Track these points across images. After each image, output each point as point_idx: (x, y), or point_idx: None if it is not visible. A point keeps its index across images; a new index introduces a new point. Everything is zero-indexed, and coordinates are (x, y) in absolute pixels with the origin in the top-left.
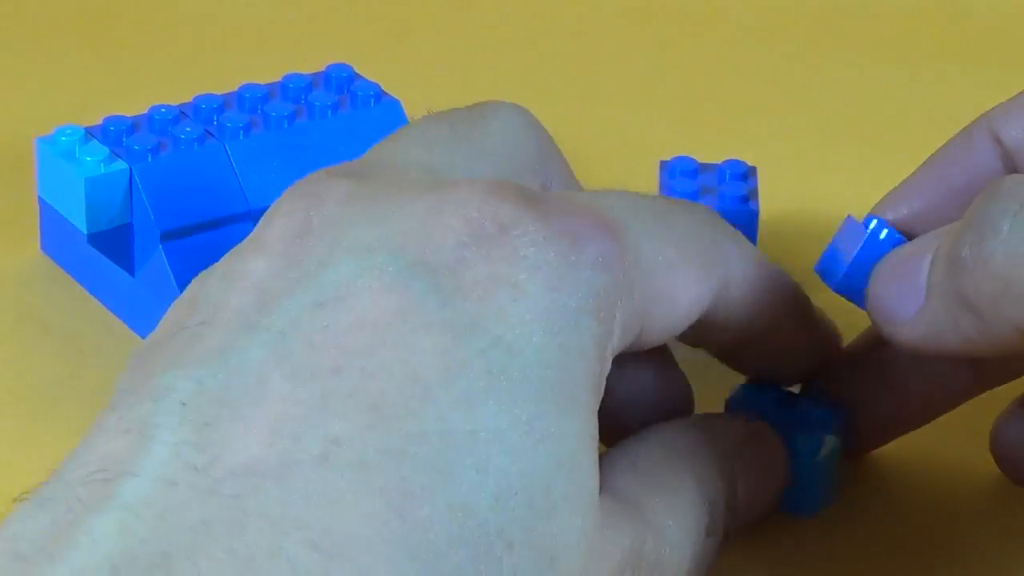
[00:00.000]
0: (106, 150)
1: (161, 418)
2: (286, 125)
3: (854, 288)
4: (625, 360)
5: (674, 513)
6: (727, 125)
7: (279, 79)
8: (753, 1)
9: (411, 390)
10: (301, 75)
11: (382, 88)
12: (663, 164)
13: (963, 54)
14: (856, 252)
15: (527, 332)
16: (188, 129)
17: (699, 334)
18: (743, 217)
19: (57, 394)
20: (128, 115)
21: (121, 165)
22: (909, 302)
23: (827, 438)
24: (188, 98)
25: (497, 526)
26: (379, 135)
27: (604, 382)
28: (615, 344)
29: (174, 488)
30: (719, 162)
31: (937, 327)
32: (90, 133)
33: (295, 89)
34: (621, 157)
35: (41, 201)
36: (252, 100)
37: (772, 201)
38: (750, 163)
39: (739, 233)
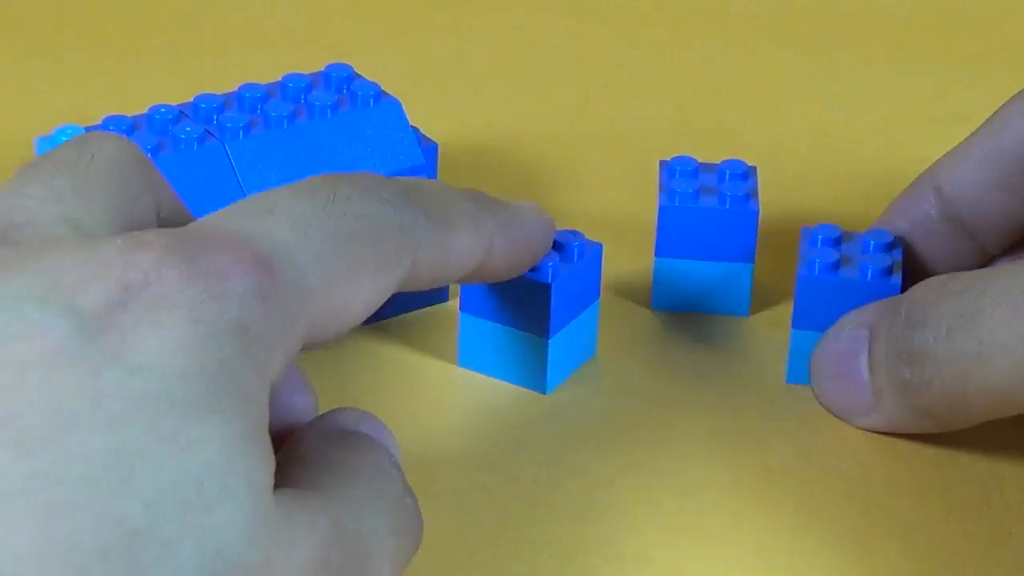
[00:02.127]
0: None
1: None
2: (286, 125)
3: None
4: None
5: (357, 482)
6: (727, 125)
7: (279, 79)
8: (753, 1)
9: (54, 421)
10: (301, 75)
11: (382, 88)
12: (663, 164)
13: (963, 54)
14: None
15: (168, 360)
16: (188, 129)
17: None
18: (743, 217)
19: None
20: (128, 115)
21: None
22: (857, 399)
23: None
24: (188, 98)
25: (149, 529)
26: (379, 135)
27: (265, 394)
28: (275, 368)
29: None
30: (719, 162)
31: (896, 422)
32: None
33: (295, 89)
34: (621, 157)
35: None
36: (252, 100)
37: (772, 201)
38: (750, 163)
39: (428, 198)
